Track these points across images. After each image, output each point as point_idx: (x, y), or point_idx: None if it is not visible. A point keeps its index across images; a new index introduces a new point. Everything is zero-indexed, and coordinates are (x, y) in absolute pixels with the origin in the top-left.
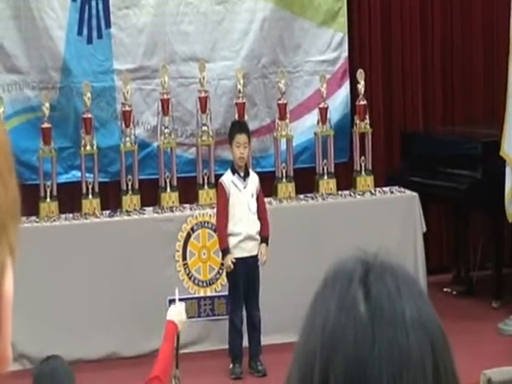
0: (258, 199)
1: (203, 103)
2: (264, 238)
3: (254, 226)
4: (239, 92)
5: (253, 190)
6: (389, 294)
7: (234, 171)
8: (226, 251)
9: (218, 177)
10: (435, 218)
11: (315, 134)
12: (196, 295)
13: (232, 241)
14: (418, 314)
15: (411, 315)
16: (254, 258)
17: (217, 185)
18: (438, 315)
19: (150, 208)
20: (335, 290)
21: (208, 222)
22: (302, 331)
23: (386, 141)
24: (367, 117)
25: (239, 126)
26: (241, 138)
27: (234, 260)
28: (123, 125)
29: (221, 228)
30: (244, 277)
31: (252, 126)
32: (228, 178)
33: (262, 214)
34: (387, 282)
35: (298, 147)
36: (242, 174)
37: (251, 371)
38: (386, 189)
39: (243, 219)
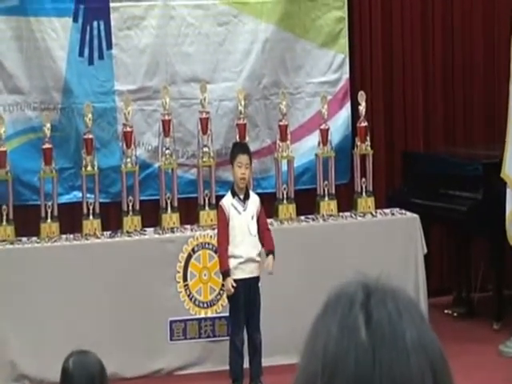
0: (258, 220)
1: (204, 124)
2: (270, 251)
3: (255, 249)
4: (240, 113)
5: (253, 211)
6: (390, 318)
7: (233, 194)
8: (226, 274)
9: (218, 198)
10: (436, 240)
11: (316, 155)
12: (197, 316)
13: (233, 262)
14: (418, 338)
15: (412, 339)
16: (255, 279)
17: (217, 206)
18: (439, 337)
19: (151, 229)
20: (336, 313)
21: (209, 243)
22: (304, 354)
23: (386, 162)
24: (368, 138)
25: (241, 147)
26: (243, 158)
27: (234, 284)
28: (124, 145)
29: (221, 251)
30: (245, 298)
31: (253, 146)
32: (228, 201)
33: (264, 232)
34: (388, 306)
35: (298, 168)
36: (241, 197)
37: None
38: (387, 210)
39: (244, 242)
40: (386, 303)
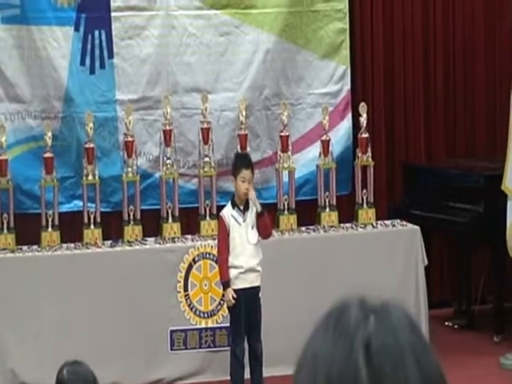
0: (258, 227)
1: (205, 134)
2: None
3: (255, 258)
4: (241, 123)
5: (252, 221)
6: (391, 359)
7: (233, 205)
8: (226, 285)
9: (219, 208)
10: (437, 252)
11: (317, 166)
12: (197, 326)
13: (233, 272)
14: (421, 379)
15: (414, 377)
16: (256, 289)
17: (218, 217)
18: (440, 349)
19: (152, 238)
20: (337, 349)
21: (209, 253)
22: (301, 377)
23: (387, 174)
24: (369, 150)
25: (245, 161)
26: (247, 173)
27: (234, 295)
28: (125, 155)
29: (222, 261)
30: (245, 308)
31: (254, 157)
32: (228, 212)
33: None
34: (389, 342)
35: (300, 179)
36: (241, 208)
37: None
38: (388, 222)
39: (244, 252)
40: (387, 339)
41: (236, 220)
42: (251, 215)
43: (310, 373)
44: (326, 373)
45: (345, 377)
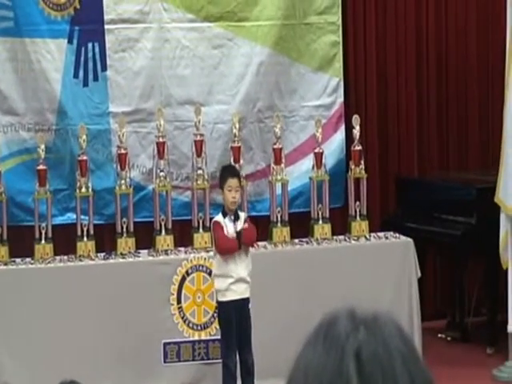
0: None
1: (199, 147)
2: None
3: (245, 269)
4: (235, 136)
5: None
6: (382, 368)
7: (224, 215)
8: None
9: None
10: (430, 264)
11: (310, 178)
12: (190, 339)
13: (223, 283)
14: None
15: None
16: (245, 301)
17: (211, 224)
18: (433, 361)
19: (145, 251)
20: (328, 359)
21: (203, 266)
22: None
23: (380, 186)
24: (362, 162)
25: (231, 170)
26: (233, 181)
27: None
28: (119, 167)
29: (227, 240)
30: (236, 320)
31: (247, 170)
32: (221, 220)
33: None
34: (379, 351)
35: (293, 192)
36: (232, 218)
37: None
38: (381, 234)
39: (234, 262)
40: (377, 352)
41: (228, 230)
42: (241, 225)
43: (301, 383)
44: (318, 382)
45: None
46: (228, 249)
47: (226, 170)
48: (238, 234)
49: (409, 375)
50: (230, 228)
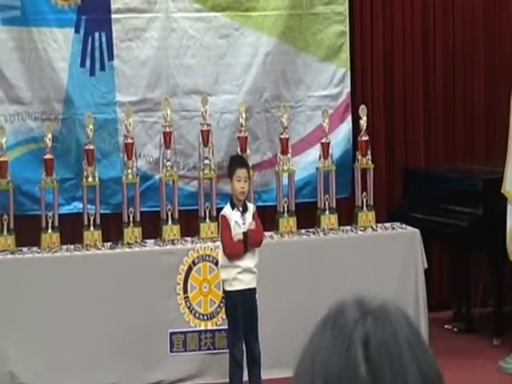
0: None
1: (205, 136)
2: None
3: (252, 260)
4: (241, 126)
5: (250, 222)
6: (390, 355)
7: (233, 206)
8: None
9: (219, 210)
10: (436, 255)
11: (317, 168)
12: (197, 328)
13: (230, 273)
14: (419, 376)
15: (412, 374)
16: (252, 291)
17: (218, 216)
18: (439, 352)
19: (152, 240)
20: (335, 347)
21: (209, 256)
22: (300, 378)
23: (387, 177)
24: (369, 152)
25: (240, 161)
26: (241, 172)
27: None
28: (125, 157)
29: (232, 243)
30: (242, 310)
31: (254, 160)
32: (229, 213)
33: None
34: (387, 339)
35: (299, 182)
36: (240, 209)
37: None
38: (388, 225)
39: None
40: (386, 339)
41: (236, 222)
42: (249, 217)
43: (309, 371)
44: (325, 370)
45: (344, 373)
46: (234, 254)
47: (234, 159)
48: (245, 235)
49: (416, 363)
50: (237, 221)
